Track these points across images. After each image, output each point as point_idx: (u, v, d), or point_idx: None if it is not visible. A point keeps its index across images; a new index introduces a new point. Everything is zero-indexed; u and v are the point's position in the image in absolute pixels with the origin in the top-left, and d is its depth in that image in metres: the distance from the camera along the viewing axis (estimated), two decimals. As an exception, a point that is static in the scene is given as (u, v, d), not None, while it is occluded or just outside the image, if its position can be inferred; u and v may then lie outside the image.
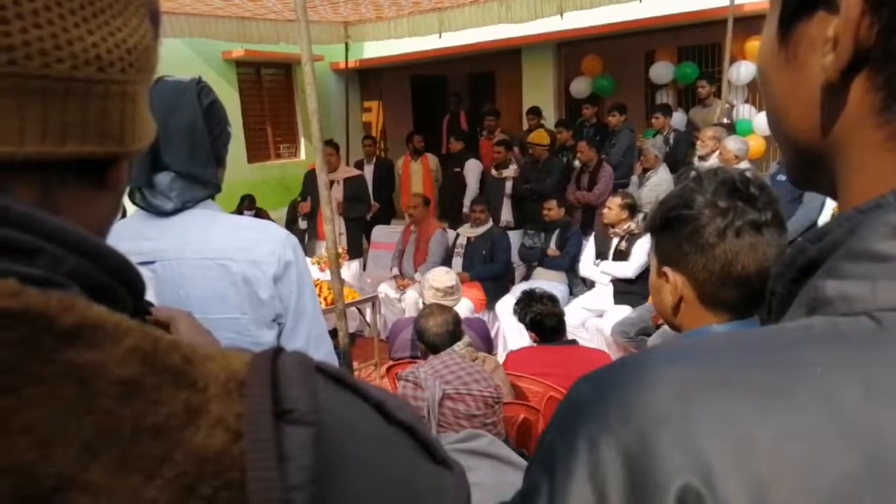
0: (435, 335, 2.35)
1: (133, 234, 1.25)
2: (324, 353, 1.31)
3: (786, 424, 0.30)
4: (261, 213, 6.61)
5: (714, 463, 0.30)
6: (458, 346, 2.28)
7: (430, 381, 1.38)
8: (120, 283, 0.33)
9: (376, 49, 8.01)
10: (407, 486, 0.33)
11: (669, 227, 0.97)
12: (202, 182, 1.25)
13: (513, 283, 5.25)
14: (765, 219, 0.90)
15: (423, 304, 3.21)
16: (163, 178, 1.23)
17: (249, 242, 1.22)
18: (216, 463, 0.26)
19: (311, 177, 6.13)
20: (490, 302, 4.85)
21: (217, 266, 1.20)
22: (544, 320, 2.80)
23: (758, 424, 0.31)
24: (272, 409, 0.28)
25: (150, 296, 1.21)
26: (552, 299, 2.89)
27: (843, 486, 0.29)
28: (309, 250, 5.85)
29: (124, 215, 1.35)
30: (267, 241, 1.24)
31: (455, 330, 2.38)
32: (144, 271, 1.20)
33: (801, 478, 0.29)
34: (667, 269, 0.98)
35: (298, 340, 1.27)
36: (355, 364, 4.73)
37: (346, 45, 7.17)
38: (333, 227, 2.41)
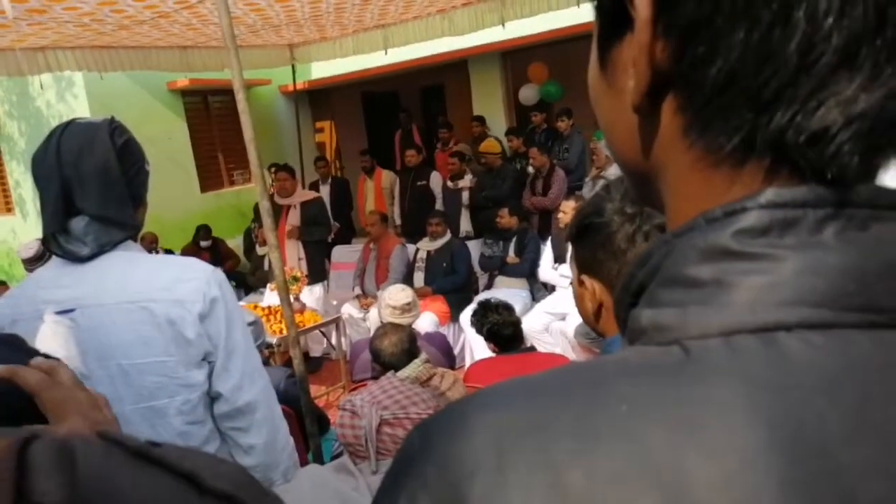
0: (391, 355, 2.33)
1: (50, 282, 1.22)
2: (259, 387, 1.29)
3: (595, 468, 0.29)
4: (217, 243, 6.52)
5: None
6: (414, 365, 2.26)
7: (367, 408, 1.36)
8: None
9: (324, 69, 8.00)
10: None
11: (584, 236, 0.98)
12: (118, 224, 1.21)
13: (476, 293, 5.25)
14: (672, 222, 0.91)
15: (381, 322, 3.19)
16: (77, 223, 1.20)
17: (171, 282, 1.20)
18: None
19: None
20: (454, 314, 4.85)
21: (139, 309, 1.17)
22: (501, 329, 2.80)
23: (569, 469, 0.29)
24: (13, 502, 0.26)
25: (70, 345, 1.18)
26: (507, 308, 2.90)
27: None
28: (269, 277, 5.77)
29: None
30: (190, 278, 1.21)
31: (411, 348, 2.36)
32: (63, 320, 1.17)
33: None
34: (585, 277, 0.98)
35: (232, 378, 1.24)
36: (322, 388, 4.67)
37: (293, 67, 7.13)
38: (280, 254, 2.37)
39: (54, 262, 1.24)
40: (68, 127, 1.22)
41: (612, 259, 0.93)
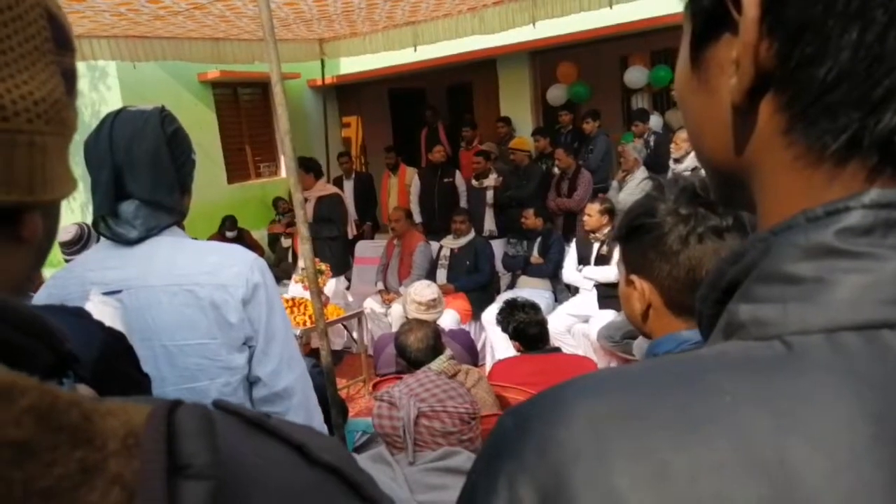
0: (416, 351, 2.34)
1: (98, 264, 1.24)
2: (297, 374, 1.30)
3: (698, 457, 0.30)
4: (243, 234, 6.58)
5: (628, 500, 0.29)
6: (440, 360, 2.27)
7: (405, 400, 1.37)
8: (28, 337, 0.32)
9: (353, 64, 8.03)
10: None
11: (634, 236, 0.97)
12: (167, 209, 1.24)
13: (498, 292, 5.25)
14: (726, 224, 0.91)
15: (407, 317, 3.20)
16: (127, 207, 1.22)
17: (216, 266, 1.21)
18: None
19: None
20: (476, 312, 4.85)
21: (184, 292, 1.19)
22: (527, 329, 2.80)
23: (672, 458, 0.30)
24: (167, 464, 0.27)
25: (117, 325, 1.20)
26: (534, 307, 2.89)
27: None
28: (292, 269, 5.81)
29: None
30: (234, 264, 1.23)
31: (436, 344, 2.37)
32: (110, 300, 1.19)
33: None
34: (634, 277, 0.98)
35: (271, 363, 1.26)
36: (344, 381, 4.70)
37: (322, 61, 7.18)
38: (311, 245, 2.39)
39: (102, 244, 1.26)
40: (120, 114, 1.25)
41: (663, 260, 0.93)
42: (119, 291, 1.20)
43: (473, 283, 5.03)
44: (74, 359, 0.35)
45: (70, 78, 0.39)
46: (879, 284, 0.32)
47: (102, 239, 1.26)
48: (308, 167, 5.39)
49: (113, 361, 0.79)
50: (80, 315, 0.82)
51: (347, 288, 5.74)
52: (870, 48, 0.32)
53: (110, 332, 0.83)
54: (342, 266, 5.58)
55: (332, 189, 5.76)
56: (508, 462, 0.33)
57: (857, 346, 0.31)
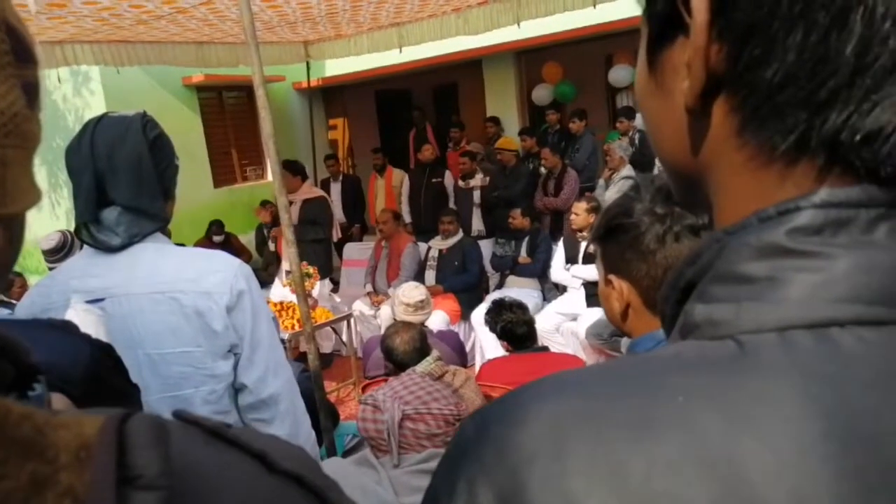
0: (402, 353, 2.34)
1: (81, 271, 1.24)
2: (283, 380, 1.30)
3: (653, 457, 0.30)
4: (230, 238, 6.55)
5: (585, 501, 0.30)
6: (426, 362, 2.27)
7: (389, 402, 1.37)
8: None
9: (338, 66, 8.02)
10: None
11: (612, 236, 0.98)
12: (149, 215, 1.23)
13: (487, 292, 5.26)
14: (702, 222, 0.92)
15: (395, 319, 3.20)
16: (109, 213, 1.21)
17: (200, 273, 1.21)
18: None
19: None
20: (465, 313, 4.85)
21: (167, 299, 1.19)
22: (514, 328, 2.81)
23: (628, 458, 0.30)
24: (117, 476, 0.27)
25: (100, 334, 1.20)
26: (521, 307, 2.90)
27: None
28: (278, 273, 5.79)
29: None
30: (218, 271, 1.23)
31: (422, 346, 2.37)
32: (93, 309, 1.19)
33: None
34: (612, 277, 0.99)
35: (256, 370, 1.26)
36: (333, 384, 4.69)
37: (308, 64, 7.16)
38: (296, 249, 2.39)
39: (85, 252, 1.25)
40: (102, 120, 1.25)
41: (640, 259, 0.94)
42: (102, 300, 1.20)
43: (462, 283, 5.03)
44: (37, 370, 0.35)
45: (31, 91, 0.38)
46: (830, 283, 0.33)
47: (85, 246, 1.25)
48: (294, 170, 5.37)
49: (102, 375, 0.78)
50: (67, 330, 0.82)
51: (333, 290, 5.73)
52: (814, 50, 0.33)
53: (98, 345, 0.83)
54: (326, 269, 5.58)
55: (319, 192, 5.74)
56: (468, 465, 0.33)
57: (808, 344, 0.32)
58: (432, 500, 0.35)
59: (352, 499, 0.37)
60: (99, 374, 0.77)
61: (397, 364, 2.33)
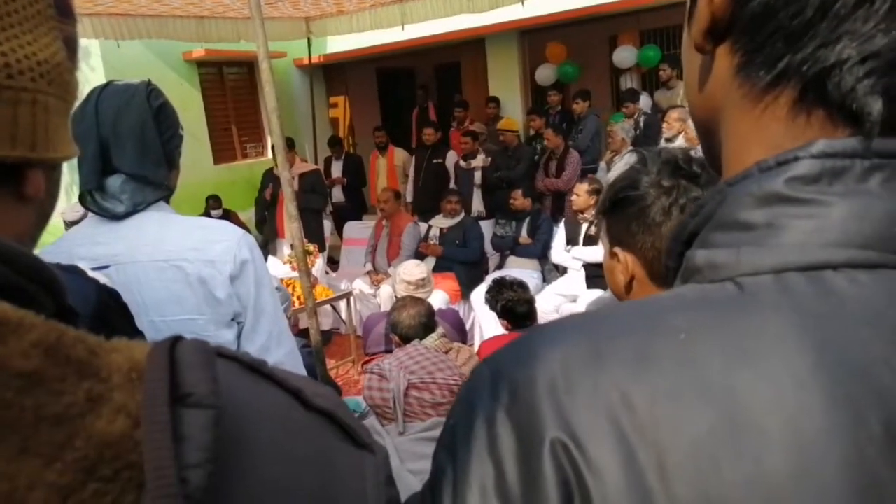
0: (408, 328, 2.36)
1: (86, 239, 1.24)
2: (286, 350, 1.31)
3: (656, 387, 0.33)
4: (229, 214, 6.53)
5: (593, 430, 0.32)
6: (432, 338, 2.28)
7: (395, 372, 1.38)
8: (34, 283, 0.33)
9: (340, 43, 7.94)
10: (322, 466, 0.34)
11: (618, 209, 0.98)
12: (154, 184, 1.23)
13: (487, 272, 5.27)
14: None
15: (396, 297, 3.21)
16: (114, 181, 1.21)
17: (204, 242, 1.22)
18: (117, 446, 0.27)
19: (268, 174, 6.08)
20: (465, 292, 4.87)
21: (171, 267, 1.19)
22: (515, 307, 2.82)
23: (631, 389, 0.33)
24: (170, 393, 0.29)
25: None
26: (522, 286, 2.91)
27: (701, 443, 0.31)
28: (273, 249, 5.81)
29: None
30: (222, 240, 1.23)
31: (428, 322, 2.39)
32: (99, 276, 1.19)
33: (668, 436, 0.31)
34: (617, 250, 0.99)
35: (259, 339, 1.27)
36: (332, 362, 4.72)
37: (309, 40, 7.10)
38: (299, 225, 2.39)
39: (90, 219, 1.26)
40: (106, 88, 1.25)
41: (646, 232, 0.94)
42: (107, 267, 1.20)
43: (463, 255, 5.05)
44: (74, 313, 0.36)
45: (71, 45, 0.40)
46: (824, 229, 0.35)
47: (90, 214, 1.25)
48: (289, 145, 5.39)
49: (109, 317, 0.79)
50: (76, 272, 0.83)
51: (332, 269, 5.76)
52: None
53: (105, 289, 0.84)
54: (321, 243, 5.63)
55: (312, 166, 5.80)
56: (485, 404, 0.36)
57: (803, 285, 0.34)
58: (450, 438, 0.36)
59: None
60: (107, 316, 0.78)
61: (402, 338, 2.34)
